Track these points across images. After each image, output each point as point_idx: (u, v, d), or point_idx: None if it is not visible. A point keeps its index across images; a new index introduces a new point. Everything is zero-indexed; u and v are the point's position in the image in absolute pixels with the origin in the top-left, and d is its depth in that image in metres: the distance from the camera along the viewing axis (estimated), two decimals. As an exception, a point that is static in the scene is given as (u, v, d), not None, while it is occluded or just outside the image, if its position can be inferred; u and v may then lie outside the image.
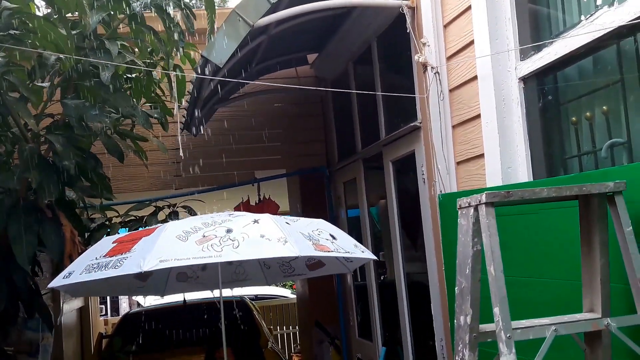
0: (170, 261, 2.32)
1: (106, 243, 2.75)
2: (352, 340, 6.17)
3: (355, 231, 5.90)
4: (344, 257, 2.91)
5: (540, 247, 2.71)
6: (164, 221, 4.74)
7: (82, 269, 2.57)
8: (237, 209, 6.39)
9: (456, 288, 2.40)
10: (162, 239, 2.44)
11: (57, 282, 2.66)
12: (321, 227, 2.78)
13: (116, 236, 2.81)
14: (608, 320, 2.25)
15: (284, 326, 12.07)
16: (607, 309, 2.30)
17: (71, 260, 3.70)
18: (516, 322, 2.24)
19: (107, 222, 4.82)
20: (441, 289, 3.92)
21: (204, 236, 2.42)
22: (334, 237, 2.73)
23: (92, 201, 4.59)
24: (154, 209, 4.98)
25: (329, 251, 2.57)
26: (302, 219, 2.83)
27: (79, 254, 3.81)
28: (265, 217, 2.57)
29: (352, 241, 2.87)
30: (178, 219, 4.71)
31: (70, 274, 2.63)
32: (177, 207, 5.05)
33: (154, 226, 2.84)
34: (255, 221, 2.53)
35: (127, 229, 4.94)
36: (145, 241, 2.51)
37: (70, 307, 7.90)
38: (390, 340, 5.12)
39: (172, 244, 2.39)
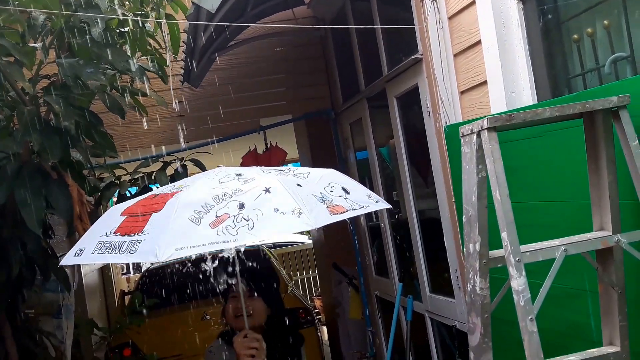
0: (186, 249, 2.30)
1: (115, 213, 2.67)
2: (370, 278, 6.22)
3: (366, 174, 5.87)
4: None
5: (548, 170, 2.66)
6: (172, 177, 4.73)
7: (93, 246, 2.52)
8: (245, 158, 6.38)
9: (464, 217, 2.38)
10: (174, 221, 2.39)
11: (69, 260, 2.61)
12: (333, 181, 2.74)
13: (124, 205, 2.72)
14: (618, 236, 2.22)
15: (304, 271, 12.25)
16: (618, 225, 2.27)
17: (81, 221, 3.73)
18: (525, 245, 2.22)
19: (116, 181, 4.81)
20: (452, 222, 3.91)
21: (217, 216, 2.38)
22: (346, 192, 2.69)
23: (99, 161, 4.57)
24: (162, 164, 4.95)
25: (344, 211, 2.55)
26: (313, 173, 2.77)
27: (89, 214, 3.83)
28: (276, 184, 2.50)
29: (365, 192, 2.83)
30: (187, 175, 4.68)
31: (81, 250, 2.57)
32: (185, 161, 5.02)
33: (160, 191, 2.75)
34: (267, 190, 2.47)
35: (136, 187, 4.93)
36: (157, 220, 2.43)
37: (91, 267, 7.99)
38: (407, 276, 5.15)
39: (186, 229, 2.36)
